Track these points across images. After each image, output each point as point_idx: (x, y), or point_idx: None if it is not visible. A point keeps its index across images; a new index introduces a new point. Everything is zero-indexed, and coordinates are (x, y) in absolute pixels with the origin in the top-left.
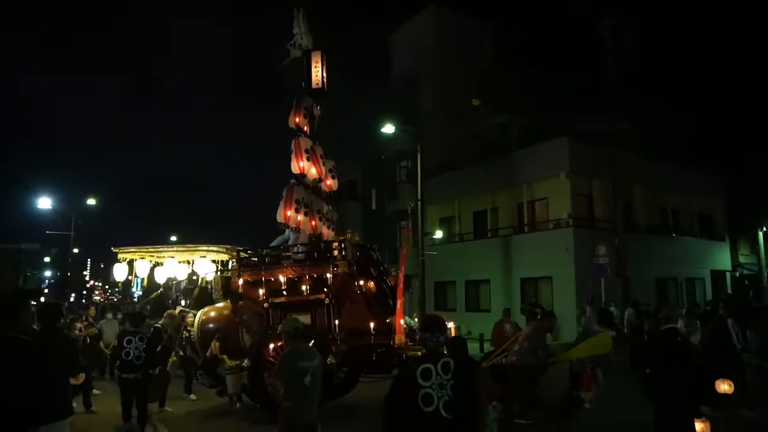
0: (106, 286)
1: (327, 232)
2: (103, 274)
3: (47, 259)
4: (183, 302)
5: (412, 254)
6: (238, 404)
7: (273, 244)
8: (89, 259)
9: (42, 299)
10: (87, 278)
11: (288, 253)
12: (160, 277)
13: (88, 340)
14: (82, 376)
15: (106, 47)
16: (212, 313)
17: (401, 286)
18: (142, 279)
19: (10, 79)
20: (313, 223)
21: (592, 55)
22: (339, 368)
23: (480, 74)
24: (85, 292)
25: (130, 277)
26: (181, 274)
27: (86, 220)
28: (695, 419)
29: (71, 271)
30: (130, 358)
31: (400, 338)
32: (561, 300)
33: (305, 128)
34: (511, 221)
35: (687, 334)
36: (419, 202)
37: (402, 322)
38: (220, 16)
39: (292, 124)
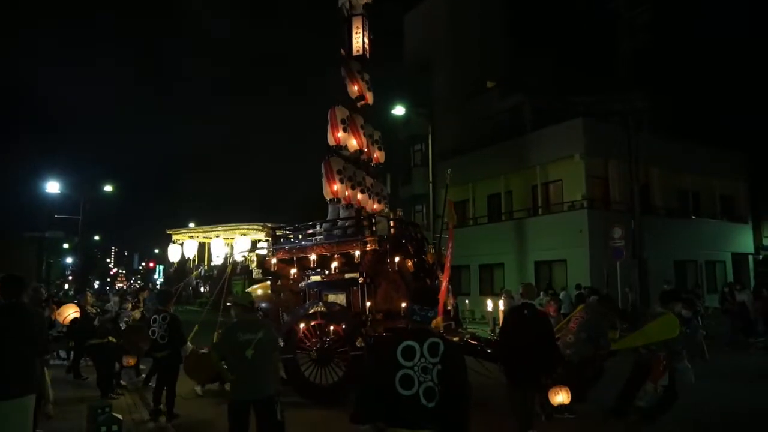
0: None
1: (377, 207)
2: (126, 261)
3: (66, 246)
4: (202, 289)
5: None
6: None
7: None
8: (113, 248)
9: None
10: (111, 265)
11: (315, 230)
12: (216, 255)
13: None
14: (133, 359)
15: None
16: (259, 292)
17: (449, 264)
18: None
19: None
20: (359, 197)
21: (607, 33)
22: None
23: (493, 55)
24: (108, 279)
25: (188, 257)
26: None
27: (109, 208)
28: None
29: (95, 258)
30: (155, 337)
31: (438, 321)
32: (575, 283)
33: (367, 96)
34: (525, 204)
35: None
36: (432, 185)
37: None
38: None
39: (352, 94)
